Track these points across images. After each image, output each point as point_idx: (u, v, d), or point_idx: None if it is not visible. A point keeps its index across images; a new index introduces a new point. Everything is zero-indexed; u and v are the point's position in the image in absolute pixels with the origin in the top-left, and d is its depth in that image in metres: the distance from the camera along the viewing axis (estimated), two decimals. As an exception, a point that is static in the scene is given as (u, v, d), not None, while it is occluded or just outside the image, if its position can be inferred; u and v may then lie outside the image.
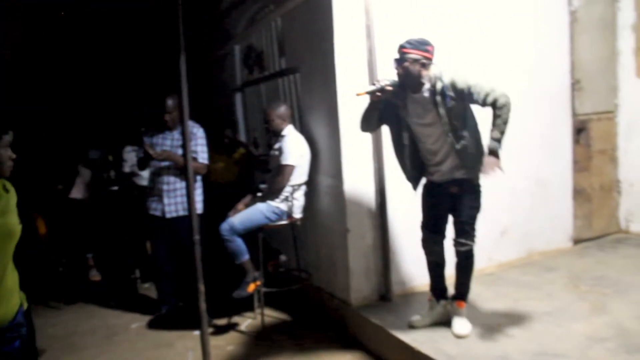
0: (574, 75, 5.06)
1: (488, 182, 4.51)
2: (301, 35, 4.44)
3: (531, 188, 4.82)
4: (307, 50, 4.34)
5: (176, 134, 4.46)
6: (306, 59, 4.39)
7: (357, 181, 3.99)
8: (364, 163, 4.01)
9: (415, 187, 3.57)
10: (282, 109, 4.32)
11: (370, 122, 3.46)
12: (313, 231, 4.47)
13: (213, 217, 4.46)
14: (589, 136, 5.25)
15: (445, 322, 3.53)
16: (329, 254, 4.31)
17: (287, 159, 4.15)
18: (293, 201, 4.19)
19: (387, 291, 4.11)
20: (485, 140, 3.29)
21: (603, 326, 3.38)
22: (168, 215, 4.42)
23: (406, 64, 3.19)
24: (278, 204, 4.20)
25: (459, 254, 3.48)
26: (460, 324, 3.44)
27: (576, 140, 5.14)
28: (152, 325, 4.62)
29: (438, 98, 3.18)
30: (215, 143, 5.01)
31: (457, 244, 3.46)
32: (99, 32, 7.65)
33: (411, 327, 3.54)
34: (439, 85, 3.17)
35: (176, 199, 4.43)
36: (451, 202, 3.43)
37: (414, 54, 3.18)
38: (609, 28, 5.35)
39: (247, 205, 4.30)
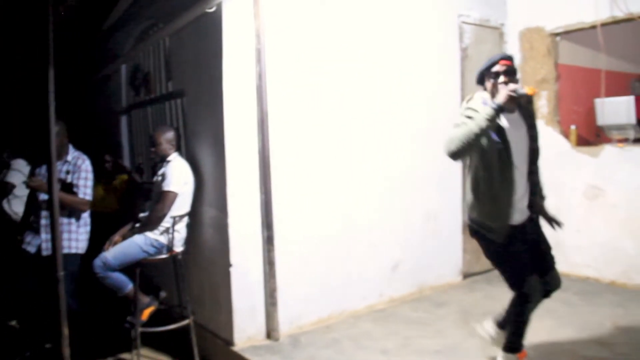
0: (464, 111, 5.13)
1: (381, 218, 4.52)
2: (189, 57, 4.19)
3: (422, 222, 4.81)
4: (195, 72, 4.11)
5: (59, 165, 4.04)
6: (193, 81, 4.14)
7: (243, 213, 3.77)
8: (251, 194, 3.79)
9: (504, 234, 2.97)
10: (171, 134, 4.05)
11: (473, 147, 2.82)
12: (196, 266, 4.17)
13: (90, 251, 4.06)
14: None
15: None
16: (212, 291, 4.03)
17: (170, 185, 3.85)
18: (174, 233, 3.88)
19: (273, 330, 3.88)
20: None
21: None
22: (45, 253, 3.94)
23: (507, 78, 2.88)
24: (157, 237, 3.88)
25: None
26: None
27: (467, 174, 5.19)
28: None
29: (530, 118, 2.99)
30: (94, 169, 4.62)
31: None
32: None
33: None
34: (524, 102, 2.96)
35: None
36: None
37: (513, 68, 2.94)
38: (497, 67, 5.51)
39: (125, 237, 3.95)
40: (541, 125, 5.34)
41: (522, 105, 2.99)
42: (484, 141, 2.84)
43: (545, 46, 5.39)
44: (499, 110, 2.75)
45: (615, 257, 4.89)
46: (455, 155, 2.88)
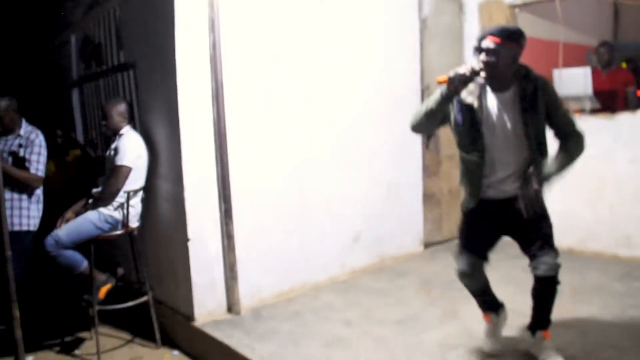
0: (424, 82, 5.12)
1: (341, 189, 4.48)
2: (140, 27, 4.05)
3: (383, 193, 4.80)
4: (146, 43, 3.97)
5: (11, 139, 3.89)
6: (145, 52, 4.00)
7: (199, 186, 3.68)
8: (207, 166, 3.70)
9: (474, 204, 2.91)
10: (123, 106, 3.93)
11: (433, 119, 2.78)
12: (153, 241, 4.08)
13: (42, 229, 3.93)
14: (438, 142, 5.35)
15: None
16: (170, 266, 3.95)
17: (123, 159, 3.73)
18: (129, 208, 3.77)
19: (234, 304, 3.83)
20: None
21: (454, 333, 3.36)
22: None
23: (498, 56, 2.60)
24: (111, 212, 3.77)
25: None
26: None
27: (426, 146, 5.21)
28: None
29: (531, 100, 2.68)
30: (47, 145, 4.47)
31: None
32: None
33: (494, 355, 3.03)
34: (529, 87, 2.68)
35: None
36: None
37: (509, 47, 2.62)
38: (456, 38, 5.52)
39: (78, 214, 3.83)
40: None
41: (525, 86, 2.70)
42: (451, 119, 2.81)
43: (504, 18, 5.38)
44: (447, 93, 2.67)
45: (572, 225, 4.95)
46: (413, 129, 2.88)
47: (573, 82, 5.36)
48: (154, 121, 3.95)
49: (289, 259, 4.18)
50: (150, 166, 3.89)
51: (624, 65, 6.00)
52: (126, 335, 4.11)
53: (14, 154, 3.83)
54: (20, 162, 3.80)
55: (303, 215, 4.25)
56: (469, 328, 3.40)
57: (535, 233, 2.81)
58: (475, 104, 2.74)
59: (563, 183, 4.88)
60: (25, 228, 3.84)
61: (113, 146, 3.89)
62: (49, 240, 3.67)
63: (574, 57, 5.97)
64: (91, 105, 5.40)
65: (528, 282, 4.05)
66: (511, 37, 2.63)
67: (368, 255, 4.72)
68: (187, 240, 3.66)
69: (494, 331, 3.10)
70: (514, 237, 2.91)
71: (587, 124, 4.83)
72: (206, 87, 3.66)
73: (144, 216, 3.94)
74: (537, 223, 2.82)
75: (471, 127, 2.77)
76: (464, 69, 2.61)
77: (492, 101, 2.76)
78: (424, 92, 5.10)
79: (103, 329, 4.02)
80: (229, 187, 3.74)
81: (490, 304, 3.11)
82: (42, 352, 3.88)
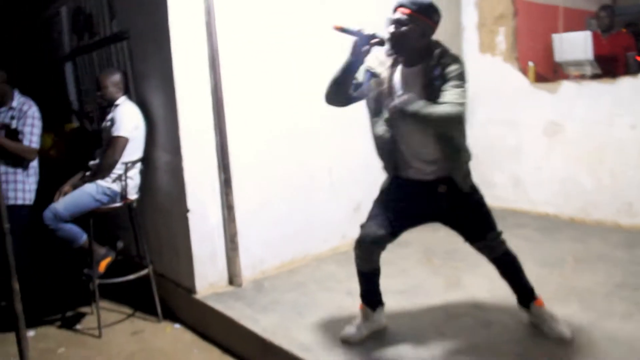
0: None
1: (340, 161, 4.42)
2: (133, -7, 3.95)
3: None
4: (139, 11, 3.86)
5: (4, 111, 3.82)
6: (138, 21, 3.90)
7: (198, 156, 3.61)
8: (205, 136, 3.63)
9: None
10: (117, 77, 3.85)
11: (340, 89, 2.68)
12: (152, 213, 4.03)
13: (39, 202, 3.89)
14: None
15: (380, 330, 3.01)
16: (170, 238, 3.90)
17: (120, 130, 3.66)
18: (127, 180, 3.72)
19: (236, 276, 3.79)
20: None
21: (458, 302, 3.34)
22: None
23: (405, 28, 2.51)
24: (109, 184, 3.71)
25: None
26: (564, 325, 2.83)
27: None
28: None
29: (434, 77, 2.52)
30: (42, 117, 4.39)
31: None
32: None
33: (345, 342, 2.90)
34: (438, 65, 2.53)
35: None
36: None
37: (419, 19, 2.51)
38: (454, 2, 5.42)
39: (76, 187, 3.77)
40: (499, 62, 5.30)
41: (435, 64, 2.54)
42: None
43: (503, -20, 5.28)
44: (349, 58, 2.60)
45: (574, 193, 4.94)
46: (326, 100, 2.77)
47: (573, 46, 5.31)
48: (150, 91, 3.87)
49: (291, 229, 4.13)
50: (147, 137, 3.82)
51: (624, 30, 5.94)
52: (127, 309, 4.09)
53: (6, 127, 3.75)
54: (14, 134, 3.73)
55: (303, 185, 4.19)
56: (473, 297, 3.38)
57: (470, 221, 2.78)
58: (384, 74, 2.65)
59: (565, 151, 4.91)
60: (20, 202, 3.79)
61: (109, 117, 3.82)
62: (47, 213, 3.62)
63: (573, 21, 5.91)
64: (85, 79, 5.30)
65: (529, 250, 4.06)
66: (421, 11, 2.52)
67: (369, 225, 4.67)
68: (187, 211, 3.61)
69: (360, 323, 2.96)
70: (450, 226, 2.85)
71: (588, 90, 4.83)
72: (202, 54, 3.57)
73: (143, 188, 3.89)
74: (468, 209, 2.75)
75: (377, 99, 2.68)
76: (369, 32, 2.54)
77: (399, 75, 2.65)
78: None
79: (104, 303, 3.99)
80: (228, 156, 3.67)
81: (371, 296, 3.00)
82: (43, 327, 3.86)
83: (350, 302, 3.39)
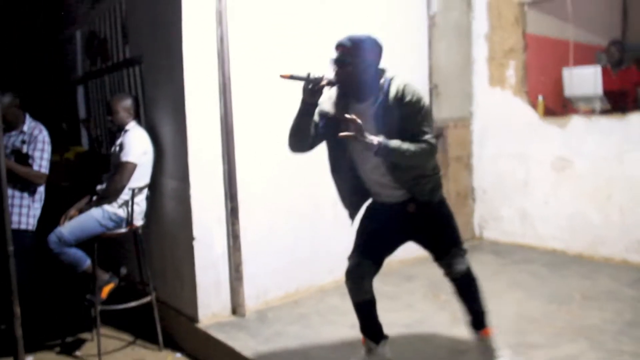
0: (432, 80, 5.05)
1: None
2: (146, 21, 3.98)
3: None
4: (153, 37, 3.90)
5: (14, 135, 3.82)
6: (152, 47, 3.94)
7: (205, 184, 3.61)
8: (213, 164, 3.63)
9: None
10: (129, 102, 3.86)
11: (300, 134, 2.63)
12: (157, 240, 4.01)
13: (44, 227, 3.86)
14: (446, 142, 5.27)
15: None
16: (174, 266, 3.88)
17: (128, 155, 3.66)
18: (133, 206, 3.70)
19: (239, 306, 3.75)
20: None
21: (464, 337, 3.23)
22: None
23: (348, 66, 2.54)
24: (116, 210, 3.70)
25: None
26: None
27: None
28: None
29: (386, 108, 2.54)
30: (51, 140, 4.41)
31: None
32: None
33: None
34: (387, 97, 2.55)
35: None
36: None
37: (360, 54, 2.54)
38: (465, 35, 5.44)
39: (82, 211, 3.76)
40: (509, 96, 5.31)
41: (388, 97, 2.56)
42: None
43: (513, 15, 5.30)
44: (302, 104, 2.58)
45: (582, 229, 4.89)
46: (289, 147, 2.73)
47: (583, 81, 5.29)
48: (160, 117, 3.89)
49: (295, 260, 4.10)
50: (155, 163, 3.82)
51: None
52: (128, 337, 4.05)
53: (17, 151, 3.76)
54: (24, 159, 3.73)
55: (309, 215, 4.17)
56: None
57: (436, 233, 2.80)
58: (337, 114, 2.62)
59: (573, 186, 4.88)
60: (23, 227, 3.77)
61: (118, 142, 3.83)
62: (52, 237, 3.60)
63: (582, 57, 5.90)
64: (96, 103, 5.33)
65: (536, 286, 4.02)
66: (360, 46, 2.54)
67: (375, 257, 4.63)
68: (193, 239, 3.60)
69: (363, 358, 2.93)
70: (421, 243, 2.88)
71: (597, 125, 4.81)
72: (213, 82, 3.59)
73: (149, 214, 3.88)
74: (435, 219, 2.79)
75: (334, 138, 2.60)
76: (317, 75, 2.51)
77: (352, 111, 2.56)
78: (432, 91, 5.03)
79: (105, 330, 3.95)
80: (236, 185, 3.67)
81: (371, 328, 2.95)
82: (42, 353, 3.81)
83: (354, 335, 3.33)
